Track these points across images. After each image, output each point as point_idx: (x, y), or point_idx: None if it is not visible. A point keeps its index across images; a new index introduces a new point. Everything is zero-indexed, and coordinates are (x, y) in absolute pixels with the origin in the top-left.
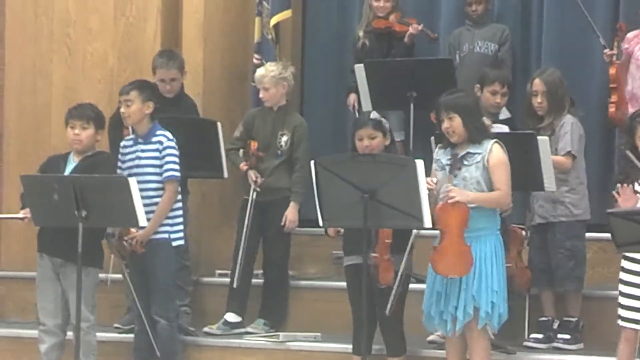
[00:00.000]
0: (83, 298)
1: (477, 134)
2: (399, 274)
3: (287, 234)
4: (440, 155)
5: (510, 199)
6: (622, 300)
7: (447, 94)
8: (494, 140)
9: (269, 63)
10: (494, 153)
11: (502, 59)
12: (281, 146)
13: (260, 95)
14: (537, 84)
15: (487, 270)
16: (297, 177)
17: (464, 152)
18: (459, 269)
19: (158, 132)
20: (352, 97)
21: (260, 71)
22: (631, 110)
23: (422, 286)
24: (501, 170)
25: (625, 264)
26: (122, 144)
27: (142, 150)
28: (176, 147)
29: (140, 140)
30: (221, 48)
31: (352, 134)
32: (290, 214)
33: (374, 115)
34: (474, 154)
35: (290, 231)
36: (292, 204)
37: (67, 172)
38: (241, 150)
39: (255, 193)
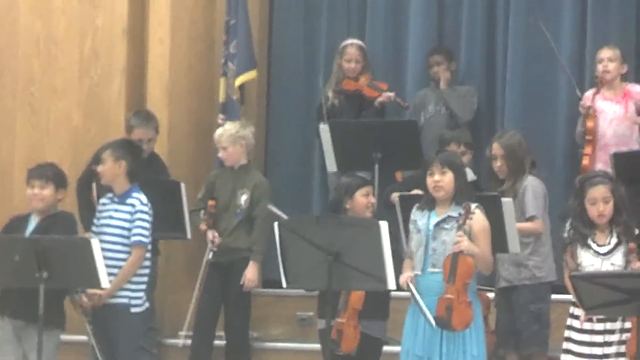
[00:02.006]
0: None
1: (462, 195)
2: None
3: (247, 296)
4: (417, 217)
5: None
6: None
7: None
8: (476, 205)
9: (227, 122)
10: (477, 219)
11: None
12: (240, 205)
13: (219, 154)
14: (496, 147)
15: (467, 334)
16: (256, 236)
17: (444, 216)
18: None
19: (134, 195)
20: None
21: (218, 131)
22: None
23: (392, 348)
24: (487, 237)
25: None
26: (100, 201)
27: (116, 210)
28: (149, 212)
29: (116, 199)
30: (186, 108)
31: (347, 191)
32: (250, 273)
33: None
34: (455, 217)
35: (250, 290)
36: (251, 263)
37: (27, 233)
38: (202, 211)
39: (212, 253)
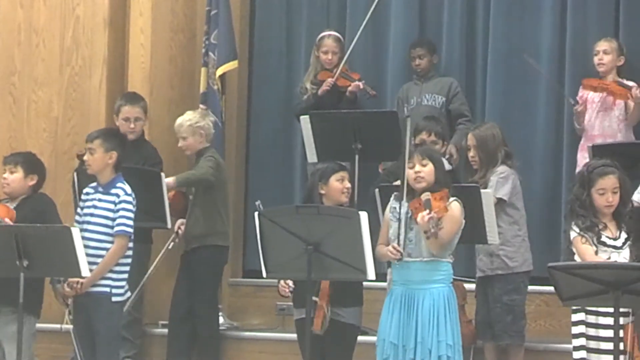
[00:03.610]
0: (19, 348)
1: (440, 186)
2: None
3: (212, 283)
4: (397, 205)
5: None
6: (593, 357)
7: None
8: (454, 198)
9: (187, 112)
10: (452, 210)
11: (459, 110)
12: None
13: (179, 144)
14: (470, 138)
15: (441, 323)
16: (191, 172)
17: None
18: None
19: (118, 185)
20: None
21: (178, 120)
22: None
23: (370, 338)
24: (449, 222)
25: (589, 317)
26: (84, 190)
27: (100, 200)
28: (133, 202)
29: (100, 189)
30: (167, 98)
31: (322, 176)
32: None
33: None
34: None
35: (216, 278)
36: (172, 178)
37: None
38: None
39: (172, 244)
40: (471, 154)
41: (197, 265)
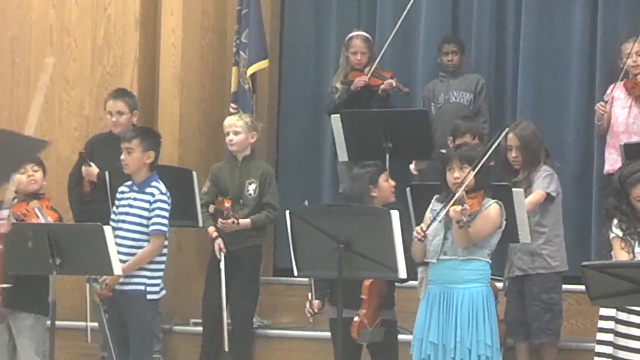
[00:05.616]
0: (34, 345)
1: (477, 189)
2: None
3: (255, 284)
4: (437, 207)
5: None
6: (621, 353)
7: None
8: (494, 200)
9: (241, 113)
10: (488, 209)
11: (478, 108)
12: (250, 194)
13: (229, 138)
14: (511, 138)
15: (480, 322)
16: (264, 214)
17: None
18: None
19: (153, 183)
20: None
21: (232, 117)
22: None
23: (403, 337)
24: (482, 221)
25: (620, 314)
26: (119, 189)
27: (135, 199)
28: (168, 201)
29: (135, 187)
30: (198, 98)
31: (372, 179)
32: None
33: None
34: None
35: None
36: (247, 220)
37: None
38: (211, 206)
39: (223, 258)
40: (513, 154)
41: (247, 265)
